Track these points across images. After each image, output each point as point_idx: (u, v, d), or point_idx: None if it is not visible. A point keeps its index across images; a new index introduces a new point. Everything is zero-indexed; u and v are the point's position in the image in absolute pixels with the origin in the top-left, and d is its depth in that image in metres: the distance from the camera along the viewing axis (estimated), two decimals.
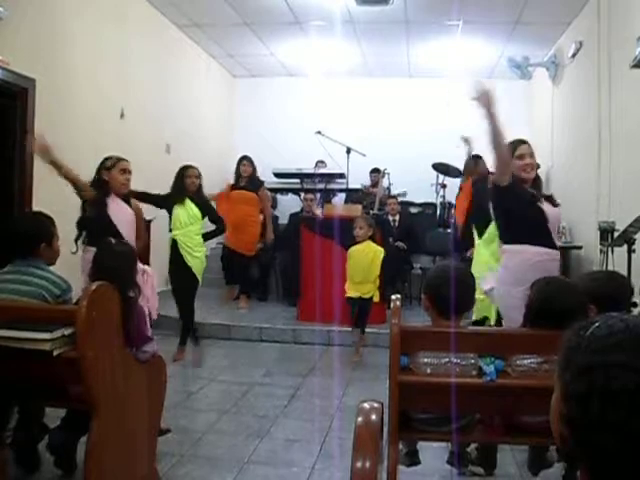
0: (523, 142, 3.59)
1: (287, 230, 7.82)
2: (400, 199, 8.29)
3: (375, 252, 5.51)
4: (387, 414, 2.17)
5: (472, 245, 4.66)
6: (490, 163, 3.52)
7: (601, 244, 5.03)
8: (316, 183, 8.26)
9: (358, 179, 8.60)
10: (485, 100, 3.25)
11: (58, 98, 5.52)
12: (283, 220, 8.52)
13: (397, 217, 7.83)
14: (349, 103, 9.93)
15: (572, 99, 7.48)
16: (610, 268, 4.65)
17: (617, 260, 4.70)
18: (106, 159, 4.23)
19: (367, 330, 5.60)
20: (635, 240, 4.45)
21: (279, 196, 9.13)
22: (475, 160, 5.12)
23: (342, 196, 8.91)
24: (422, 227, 8.27)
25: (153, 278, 4.08)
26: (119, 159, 4.22)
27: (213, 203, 6.37)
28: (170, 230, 5.34)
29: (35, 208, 4.87)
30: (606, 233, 4.94)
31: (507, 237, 3.50)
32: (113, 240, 3.11)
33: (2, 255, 2.97)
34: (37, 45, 5.20)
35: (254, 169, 7.07)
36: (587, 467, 0.86)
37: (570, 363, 0.87)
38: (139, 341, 2.74)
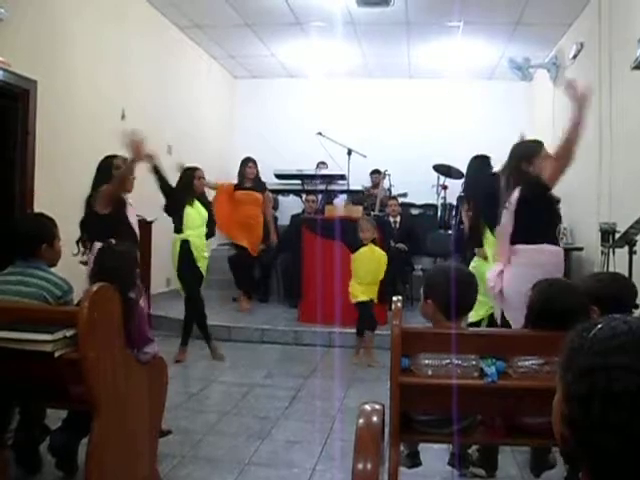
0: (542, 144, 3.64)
1: (288, 231, 7.82)
2: (401, 200, 8.28)
3: (381, 254, 5.57)
4: (388, 416, 2.17)
5: (480, 245, 4.62)
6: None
7: (602, 245, 5.02)
8: (317, 184, 8.28)
9: (359, 180, 8.59)
10: (580, 98, 3.35)
11: (59, 99, 5.52)
12: (284, 221, 8.53)
13: (398, 218, 7.83)
14: (350, 104, 9.93)
15: None
16: (611, 269, 4.65)
17: (618, 261, 4.70)
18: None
19: (368, 331, 5.58)
20: (636, 241, 4.45)
21: (280, 197, 9.14)
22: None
23: (343, 197, 8.91)
24: (423, 228, 8.27)
25: None
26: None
27: (212, 192, 6.44)
28: (179, 231, 5.35)
29: (36, 209, 4.87)
30: (607, 234, 4.93)
31: (526, 237, 3.48)
32: (113, 241, 3.11)
33: (3, 256, 2.98)
34: (37, 46, 5.20)
35: (258, 171, 7.17)
36: (589, 468, 0.86)
37: (572, 364, 0.87)
38: (140, 342, 2.74)
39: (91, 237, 4.00)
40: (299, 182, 8.39)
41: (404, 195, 8.66)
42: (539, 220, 3.45)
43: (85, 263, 4.00)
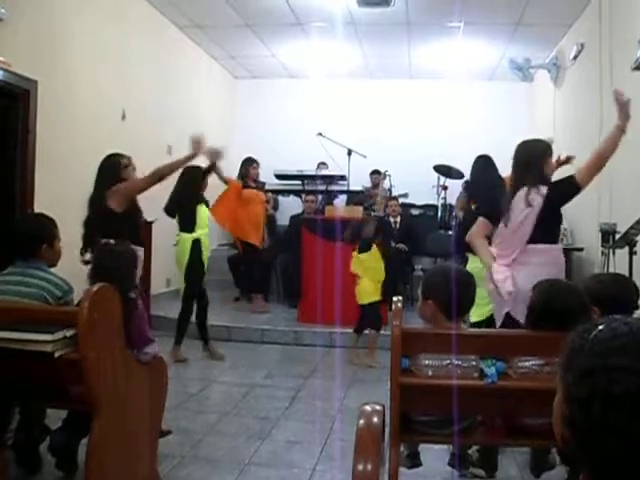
0: None
1: (288, 232, 7.83)
2: (401, 200, 8.28)
3: (380, 254, 5.59)
4: (389, 416, 2.17)
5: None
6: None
7: (602, 246, 5.02)
8: (317, 185, 8.28)
9: (359, 181, 8.59)
10: (626, 109, 3.44)
11: (59, 99, 5.52)
12: (284, 221, 8.53)
13: (398, 219, 7.83)
14: (350, 104, 9.92)
15: (574, 101, 7.48)
16: (611, 270, 4.65)
17: (618, 262, 4.69)
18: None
19: (367, 332, 5.59)
20: (637, 242, 4.44)
21: (280, 197, 9.14)
22: None
23: (343, 198, 8.91)
24: (423, 229, 8.27)
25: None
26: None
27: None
28: (190, 230, 5.37)
29: (36, 209, 4.87)
30: (607, 235, 4.93)
31: (544, 236, 3.45)
32: (112, 241, 3.12)
33: (4, 256, 2.98)
34: (37, 46, 5.20)
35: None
36: (589, 470, 0.86)
37: (573, 365, 0.87)
38: (140, 342, 2.74)
39: (105, 235, 3.92)
40: (299, 182, 8.39)
41: (405, 195, 8.64)
42: (559, 220, 3.53)
43: (88, 262, 3.99)
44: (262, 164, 7.47)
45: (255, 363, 5.52)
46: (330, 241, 6.32)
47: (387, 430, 2.14)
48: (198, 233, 5.38)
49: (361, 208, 7.01)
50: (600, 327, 0.88)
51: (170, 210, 5.47)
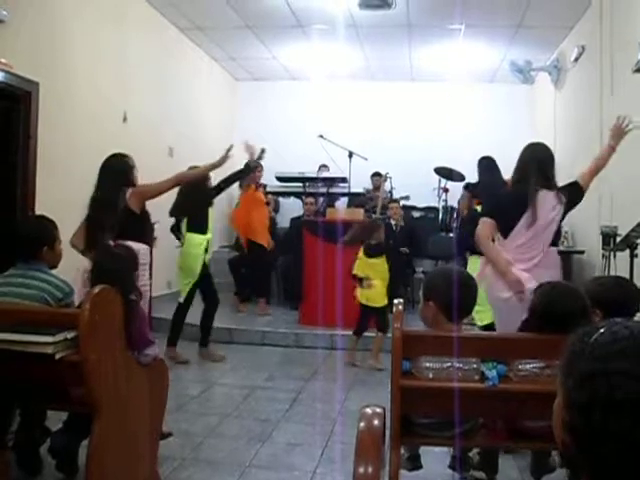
0: None
1: (289, 234, 7.83)
2: (402, 203, 8.28)
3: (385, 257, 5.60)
4: (389, 419, 2.17)
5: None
6: None
7: (603, 249, 5.01)
8: (318, 187, 8.29)
9: (360, 183, 8.61)
10: (622, 135, 3.68)
11: (60, 101, 5.53)
12: (284, 224, 8.54)
13: (399, 221, 7.82)
14: (351, 107, 9.93)
15: (574, 103, 7.48)
16: (612, 273, 4.64)
17: (619, 265, 4.69)
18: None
19: (368, 334, 5.58)
20: (637, 245, 4.44)
21: (281, 199, 9.16)
22: None
23: (344, 200, 8.91)
24: (424, 231, 8.27)
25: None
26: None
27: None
28: (202, 231, 5.45)
29: (37, 212, 4.87)
30: (608, 238, 4.92)
31: (556, 239, 3.53)
32: (112, 243, 3.12)
33: (5, 258, 2.98)
34: (38, 48, 5.21)
35: None
36: (590, 475, 0.86)
37: (573, 370, 0.86)
38: (141, 344, 2.74)
39: (123, 236, 3.89)
40: (300, 185, 8.41)
41: (407, 198, 8.65)
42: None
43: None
44: (263, 166, 7.47)
45: (256, 365, 5.51)
46: (331, 243, 6.32)
47: (388, 432, 2.14)
48: (208, 236, 5.49)
49: (362, 210, 7.01)
50: (601, 330, 0.87)
51: (184, 210, 5.46)
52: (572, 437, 0.85)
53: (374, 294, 5.38)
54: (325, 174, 8.59)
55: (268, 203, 7.90)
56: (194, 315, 5.80)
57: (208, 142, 9.13)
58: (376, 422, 1.96)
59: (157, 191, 4.28)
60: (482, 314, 4.30)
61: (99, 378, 2.43)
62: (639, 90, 5.21)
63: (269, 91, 10.33)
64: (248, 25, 7.81)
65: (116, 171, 4.12)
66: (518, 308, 2.98)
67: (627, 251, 4.48)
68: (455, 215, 8.27)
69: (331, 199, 8.57)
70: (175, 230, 5.79)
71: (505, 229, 3.47)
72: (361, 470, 1.77)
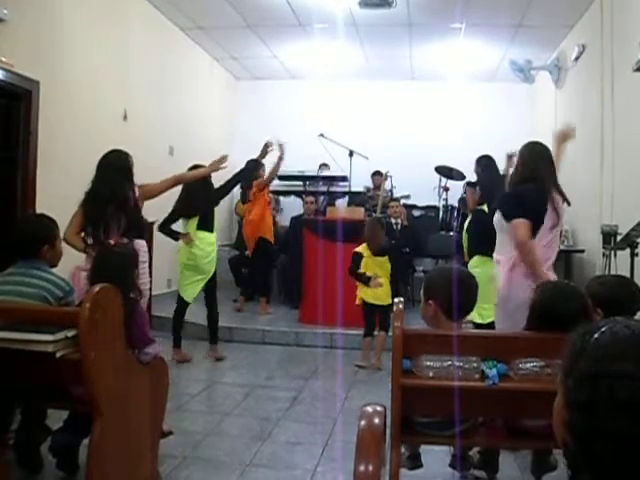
0: None
1: (289, 233, 7.84)
2: (403, 202, 8.28)
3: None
4: (390, 417, 2.17)
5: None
6: None
7: (604, 248, 5.01)
8: (319, 186, 8.29)
9: (361, 182, 8.60)
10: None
11: (60, 100, 5.52)
12: (284, 222, 8.53)
13: (399, 220, 7.82)
14: (352, 106, 9.93)
15: (575, 102, 7.48)
16: (613, 272, 4.64)
17: (620, 264, 4.69)
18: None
19: (376, 333, 5.57)
20: (638, 244, 4.44)
21: (282, 198, 9.15)
22: None
23: (344, 198, 8.91)
24: (425, 230, 8.27)
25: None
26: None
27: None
28: (212, 230, 5.51)
29: (38, 210, 4.87)
30: (609, 237, 4.92)
31: None
32: (112, 242, 3.11)
33: (5, 257, 2.98)
34: (38, 46, 5.20)
35: None
36: (590, 474, 0.86)
37: (573, 369, 0.86)
38: (141, 343, 2.74)
39: (131, 230, 3.98)
40: (301, 183, 8.40)
41: (407, 197, 8.65)
42: None
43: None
44: (264, 165, 7.47)
45: (256, 364, 5.52)
46: (331, 242, 6.32)
47: (388, 431, 2.14)
48: (215, 236, 5.56)
49: (362, 209, 7.01)
50: (602, 330, 0.87)
51: (197, 209, 5.47)
52: (572, 436, 0.85)
53: (382, 293, 5.37)
54: (325, 173, 8.59)
55: (269, 202, 7.90)
56: (195, 314, 5.82)
57: (208, 141, 9.14)
58: (377, 421, 1.96)
59: (158, 191, 4.35)
60: (486, 311, 4.29)
61: (99, 377, 2.43)
62: (639, 89, 5.21)
63: (269, 90, 10.32)
64: (249, 24, 7.81)
65: (121, 167, 4.12)
66: None
67: (628, 250, 4.48)
68: (456, 214, 8.27)
69: (331, 198, 8.57)
70: (167, 229, 5.61)
71: (533, 229, 3.32)
72: (362, 469, 1.78)
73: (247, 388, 4.71)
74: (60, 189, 5.29)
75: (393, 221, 7.68)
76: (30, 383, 2.62)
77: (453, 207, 8.77)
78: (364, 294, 5.41)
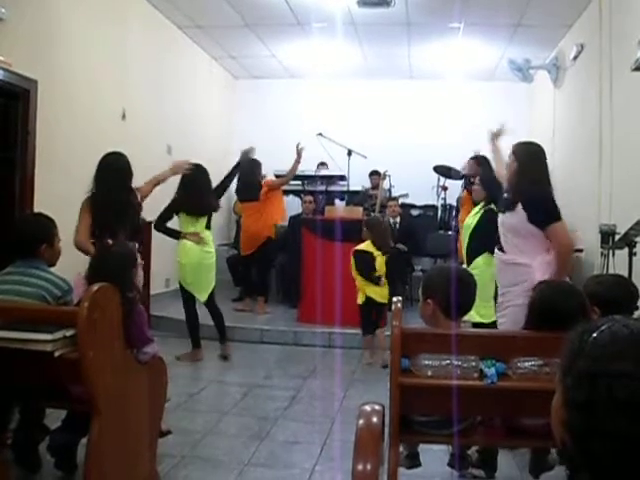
0: None
1: (287, 232, 7.83)
2: (401, 201, 8.28)
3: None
4: (388, 416, 2.17)
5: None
6: None
7: (602, 247, 5.01)
8: (317, 185, 8.29)
9: (359, 181, 8.60)
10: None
11: (59, 99, 5.52)
12: (283, 222, 8.52)
13: (398, 219, 7.83)
14: (350, 105, 9.92)
15: (574, 102, 7.48)
16: (611, 271, 4.64)
17: (618, 263, 4.69)
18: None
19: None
20: (636, 243, 4.44)
21: None
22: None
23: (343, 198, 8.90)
24: (423, 229, 8.27)
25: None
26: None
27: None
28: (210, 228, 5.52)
29: (36, 209, 4.87)
30: (607, 236, 4.93)
31: None
32: (110, 241, 3.11)
33: (3, 256, 2.98)
34: (37, 46, 5.20)
35: None
36: (588, 474, 0.86)
37: (572, 368, 0.86)
38: (140, 342, 2.74)
39: (131, 230, 4.05)
40: (299, 182, 8.39)
41: (405, 196, 8.64)
42: None
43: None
44: (262, 164, 7.47)
45: (255, 363, 5.52)
46: (330, 241, 6.32)
47: (386, 430, 2.14)
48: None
49: (361, 209, 7.01)
50: (600, 329, 0.87)
51: (212, 207, 5.49)
52: (570, 435, 0.85)
53: (385, 291, 5.45)
54: (324, 172, 8.58)
55: None
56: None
57: (207, 140, 9.14)
58: (375, 420, 1.96)
59: (147, 193, 4.43)
60: (486, 310, 4.29)
61: (98, 376, 2.43)
62: (638, 88, 5.21)
63: (268, 89, 10.32)
64: (247, 23, 7.80)
65: (126, 170, 4.14)
66: None
67: (626, 249, 4.48)
68: (454, 213, 8.27)
69: (330, 197, 8.56)
70: (164, 227, 5.49)
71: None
72: (360, 468, 1.78)
73: (245, 387, 4.71)
74: (58, 189, 5.29)
75: (391, 220, 7.69)
76: (28, 382, 2.62)
77: (451, 206, 8.78)
78: (373, 293, 5.41)
